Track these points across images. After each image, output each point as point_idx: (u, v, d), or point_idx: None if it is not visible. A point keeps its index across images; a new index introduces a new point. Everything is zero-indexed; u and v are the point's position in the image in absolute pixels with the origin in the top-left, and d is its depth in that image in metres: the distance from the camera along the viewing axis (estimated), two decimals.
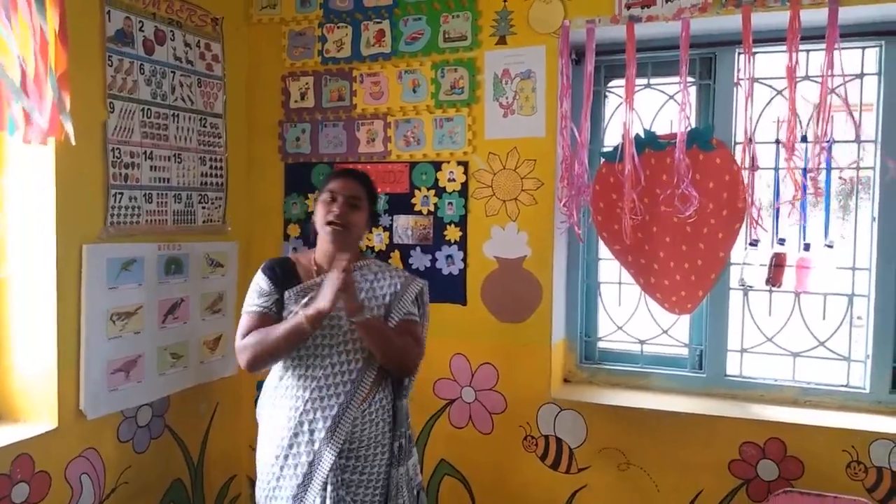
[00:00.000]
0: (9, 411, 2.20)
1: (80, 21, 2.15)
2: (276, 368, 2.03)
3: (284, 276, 2.00)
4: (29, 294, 2.17)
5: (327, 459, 1.90)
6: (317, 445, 1.91)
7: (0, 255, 2.19)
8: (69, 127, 1.92)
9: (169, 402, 2.59)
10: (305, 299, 1.94)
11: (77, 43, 2.09)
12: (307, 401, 1.92)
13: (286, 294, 1.98)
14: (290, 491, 1.92)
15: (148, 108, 2.43)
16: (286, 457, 1.93)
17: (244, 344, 1.93)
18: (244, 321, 1.99)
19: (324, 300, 1.81)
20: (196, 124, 2.66)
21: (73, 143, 1.93)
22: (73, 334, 2.19)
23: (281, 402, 1.98)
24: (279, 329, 1.87)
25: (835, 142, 2.16)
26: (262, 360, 1.91)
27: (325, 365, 1.94)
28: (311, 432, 1.91)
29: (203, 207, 2.71)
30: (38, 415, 2.16)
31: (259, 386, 2.91)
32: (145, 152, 2.43)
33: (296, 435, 1.92)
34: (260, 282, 2.01)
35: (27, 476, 2.06)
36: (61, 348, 2.15)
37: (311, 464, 1.90)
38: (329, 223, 1.95)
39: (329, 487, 1.89)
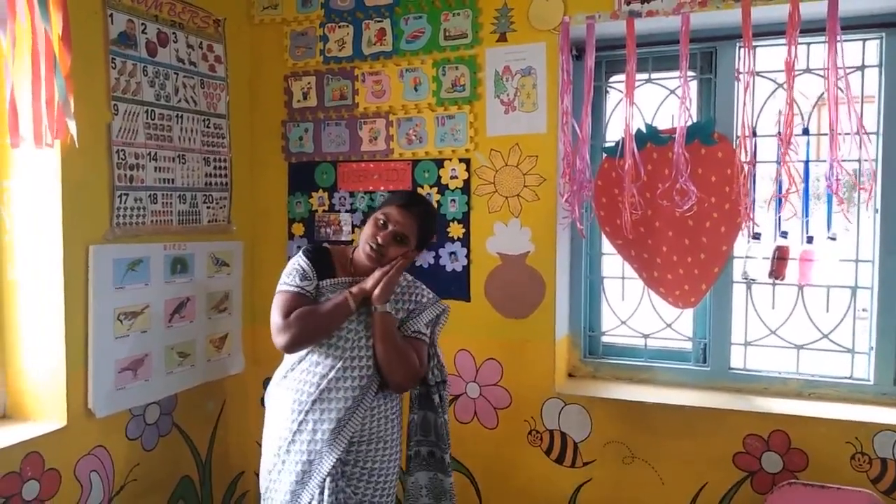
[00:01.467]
0: (18, 410, 2.24)
1: (82, 24, 2.17)
2: (286, 360, 2.04)
3: (324, 265, 2.02)
4: (37, 295, 2.20)
5: (327, 461, 1.91)
6: (318, 445, 1.91)
7: (8, 258, 2.22)
8: (73, 129, 1.95)
9: (176, 400, 2.62)
10: (335, 293, 1.97)
11: (80, 46, 2.11)
12: (314, 399, 1.93)
13: (322, 283, 1.99)
14: (287, 486, 1.94)
15: (152, 110, 2.46)
16: (288, 451, 1.95)
17: (289, 322, 1.89)
18: (284, 298, 1.95)
19: (371, 281, 1.93)
20: (200, 125, 2.68)
21: (77, 145, 1.96)
22: (81, 334, 2.22)
23: (286, 395, 1.99)
24: (324, 306, 1.90)
25: (838, 134, 2.16)
26: (306, 338, 1.90)
27: (337, 367, 1.94)
28: (315, 431, 1.92)
29: (208, 207, 2.73)
30: (48, 413, 2.19)
31: (266, 383, 2.94)
32: (150, 153, 2.45)
33: (300, 431, 1.93)
34: (303, 265, 2.00)
35: (37, 474, 2.09)
36: (69, 348, 2.18)
37: (310, 462, 1.91)
38: (371, 250, 1.95)
39: (328, 480, 1.90)
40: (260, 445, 2.10)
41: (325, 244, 2.11)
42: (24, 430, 2.13)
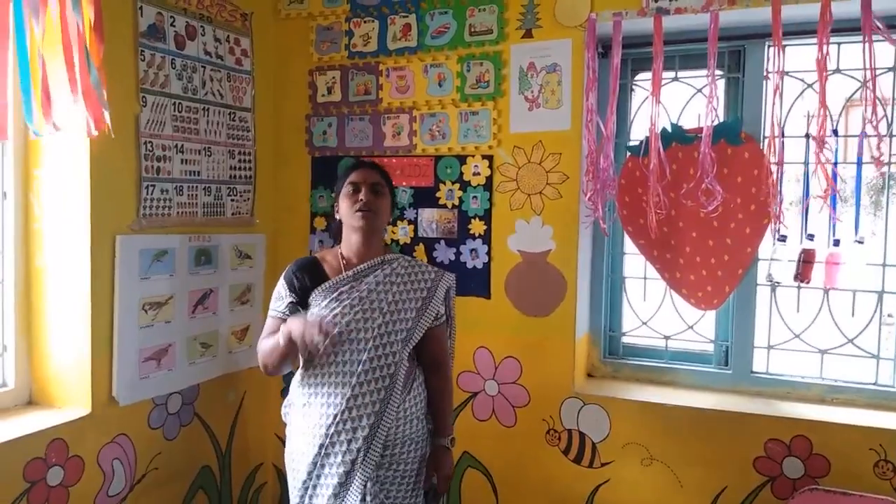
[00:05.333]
0: (44, 397, 2.27)
1: (113, 16, 2.20)
2: (298, 388, 2.02)
3: (311, 277, 2.01)
4: (64, 283, 2.23)
5: (371, 457, 1.90)
6: (360, 443, 1.89)
7: (37, 246, 2.26)
8: (108, 119, 1.96)
9: (198, 390, 2.65)
10: (335, 294, 1.95)
11: (110, 38, 2.13)
12: (348, 398, 1.90)
13: (314, 292, 1.98)
14: (331, 490, 1.90)
15: (179, 103, 2.48)
16: (327, 455, 1.91)
17: (257, 351, 2.03)
18: (265, 325, 2.06)
19: (296, 334, 1.80)
20: (225, 118, 2.71)
21: (113, 135, 1.98)
22: (107, 323, 2.25)
23: (314, 401, 1.95)
24: (269, 344, 1.95)
25: (867, 136, 2.12)
26: (270, 368, 1.98)
27: (363, 360, 1.92)
28: (354, 430, 1.89)
29: (232, 200, 2.76)
30: (73, 401, 2.23)
31: (286, 378, 2.96)
32: (176, 145, 2.48)
33: (338, 433, 1.90)
34: (279, 288, 2.06)
35: (61, 460, 2.12)
36: (95, 336, 2.21)
37: (353, 462, 1.89)
38: (358, 210, 1.97)
39: (369, 484, 1.90)
40: (279, 437, 2.12)
41: (315, 254, 2.12)
42: (49, 416, 2.17)
